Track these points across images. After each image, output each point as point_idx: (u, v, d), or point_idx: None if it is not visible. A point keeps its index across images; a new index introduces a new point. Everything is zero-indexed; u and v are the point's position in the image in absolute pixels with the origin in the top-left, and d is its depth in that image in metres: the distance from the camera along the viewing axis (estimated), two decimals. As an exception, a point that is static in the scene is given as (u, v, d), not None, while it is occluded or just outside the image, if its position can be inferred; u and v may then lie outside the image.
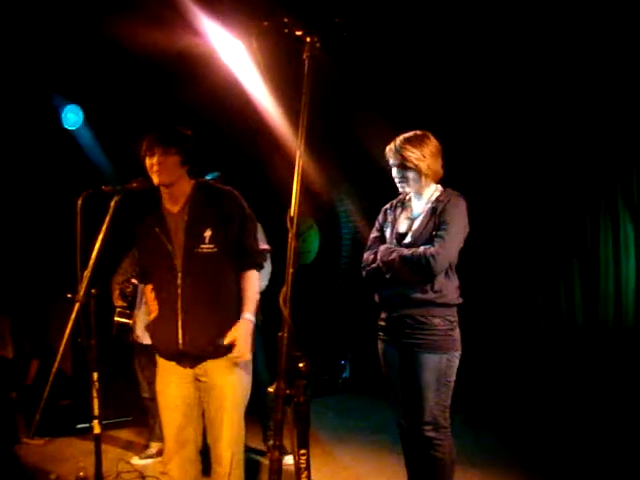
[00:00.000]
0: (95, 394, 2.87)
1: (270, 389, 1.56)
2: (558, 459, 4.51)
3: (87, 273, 2.70)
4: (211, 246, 2.89)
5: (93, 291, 2.79)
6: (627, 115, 5.59)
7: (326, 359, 7.53)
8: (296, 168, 1.59)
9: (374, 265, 3.20)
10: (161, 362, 3.06)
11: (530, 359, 6.10)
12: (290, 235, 1.56)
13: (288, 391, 1.54)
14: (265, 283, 4.57)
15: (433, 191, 3.17)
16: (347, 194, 7.78)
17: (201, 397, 3.00)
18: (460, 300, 3.15)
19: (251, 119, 5.78)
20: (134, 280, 4.44)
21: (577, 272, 6.06)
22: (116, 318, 4.53)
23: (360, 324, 6.43)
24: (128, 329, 4.55)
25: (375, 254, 3.20)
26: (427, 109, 5.94)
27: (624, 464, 4.30)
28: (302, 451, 1.53)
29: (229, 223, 2.94)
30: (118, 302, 4.48)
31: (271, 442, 2.77)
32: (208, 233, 2.89)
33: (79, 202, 2.83)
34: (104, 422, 5.28)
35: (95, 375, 2.88)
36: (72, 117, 5.43)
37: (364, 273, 3.27)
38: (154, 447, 4.65)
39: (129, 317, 4.52)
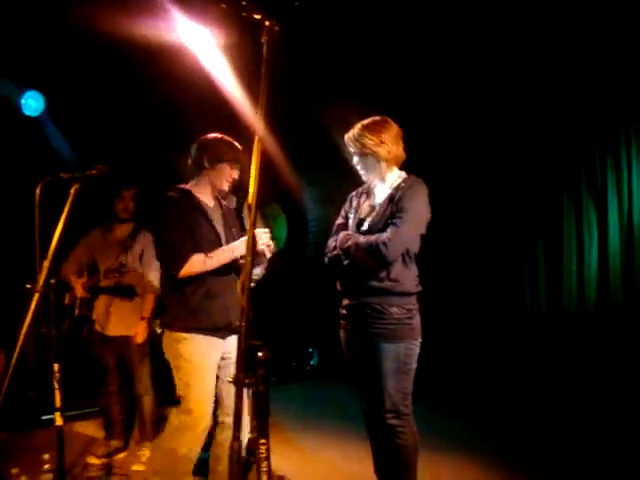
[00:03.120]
0: (56, 385, 2.82)
1: (229, 378, 1.54)
2: (522, 443, 4.59)
3: (46, 263, 2.64)
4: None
5: (52, 281, 2.73)
6: (591, 101, 5.66)
7: (294, 346, 7.53)
8: (254, 155, 1.57)
9: (335, 252, 3.21)
10: (201, 337, 3.14)
11: (495, 344, 6.17)
12: (249, 222, 1.54)
13: (247, 380, 1.52)
14: (261, 271, 4.61)
15: (395, 178, 3.18)
16: (314, 181, 7.75)
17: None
18: (419, 288, 3.15)
19: (217, 106, 5.71)
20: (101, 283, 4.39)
21: (541, 255, 6.14)
22: (78, 310, 4.44)
23: (328, 312, 6.43)
24: (87, 321, 4.48)
25: (336, 241, 3.21)
26: (393, 93, 5.92)
27: (586, 446, 4.38)
28: (262, 440, 1.52)
29: None
30: (82, 294, 4.38)
31: None
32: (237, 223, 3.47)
33: (37, 190, 2.78)
34: (71, 413, 5.31)
35: (56, 366, 2.83)
36: (33, 104, 5.30)
37: (326, 260, 3.28)
38: (112, 445, 4.55)
39: (90, 309, 4.44)
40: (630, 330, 5.39)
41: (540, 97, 5.89)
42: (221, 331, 3.20)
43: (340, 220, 3.35)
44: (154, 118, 5.91)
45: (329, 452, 4.50)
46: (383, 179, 3.19)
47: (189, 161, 3.31)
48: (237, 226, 3.49)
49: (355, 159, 3.21)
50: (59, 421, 2.84)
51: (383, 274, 3.06)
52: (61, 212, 2.73)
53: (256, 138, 1.57)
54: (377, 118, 3.16)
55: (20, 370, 2.73)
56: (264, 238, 3.18)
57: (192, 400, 3.07)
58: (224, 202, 3.51)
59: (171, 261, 3.09)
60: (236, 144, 3.30)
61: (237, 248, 3.21)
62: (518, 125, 6.12)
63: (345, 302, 3.26)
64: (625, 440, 4.40)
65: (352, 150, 3.19)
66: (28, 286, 2.69)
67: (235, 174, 3.33)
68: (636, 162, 5.49)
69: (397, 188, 3.12)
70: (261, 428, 1.52)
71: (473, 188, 6.45)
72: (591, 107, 5.67)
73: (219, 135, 3.31)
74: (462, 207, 6.42)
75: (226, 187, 3.33)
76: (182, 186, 3.28)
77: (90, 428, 5.10)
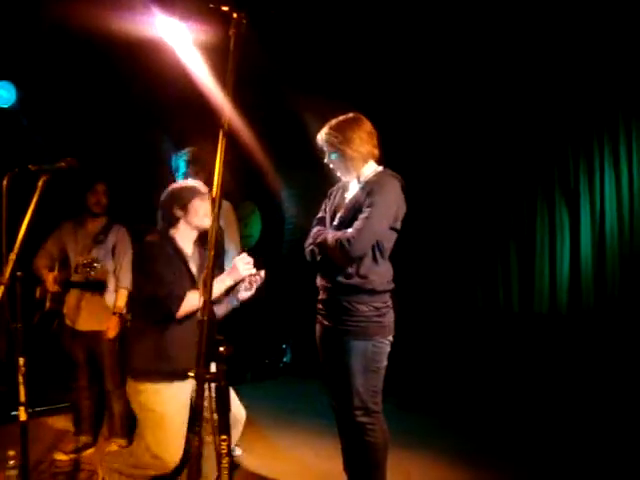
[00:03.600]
0: (21, 380, 2.78)
1: (190, 374, 1.52)
2: (492, 442, 4.62)
3: (13, 255, 2.61)
4: None
5: (19, 274, 2.70)
6: (565, 104, 5.70)
7: (267, 344, 7.52)
8: (219, 147, 1.55)
9: (310, 247, 3.22)
10: (165, 385, 3.07)
11: (467, 344, 6.19)
12: (212, 217, 1.52)
13: (208, 375, 1.51)
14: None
15: (369, 172, 3.18)
16: (291, 178, 7.73)
17: None
18: (390, 286, 3.15)
19: (194, 100, 5.68)
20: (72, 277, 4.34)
21: (514, 256, 6.18)
22: (49, 304, 4.39)
23: (301, 308, 6.43)
24: (57, 315, 4.43)
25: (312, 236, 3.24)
26: (366, 90, 5.93)
27: (556, 444, 4.43)
28: (223, 437, 1.50)
29: None
30: (54, 288, 4.33)
31: None
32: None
33: (4, 182, 2.74)
34: (41, 408, 5.24)
35: (21, 360, 2.79)
36: (4, 94, 5.22)
37: (305, 254, 3.28)
38: (80, 441, 4.50)
39: (61, 303, 4.40)
40: (600, 333, 5.44)
41: (514, 99, 5.93)
42: (180, 376, 3.10)
43: (320, 214, 3.36)
44: (130, 112, 5.85)
45: (301, 450, 4.50)
46: (358, 175, 3.20)
47: (161, 222, 3.29)
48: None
49: (326, 158, 3.23)
50: (23, 416, 2.80)
51: (352, 271, 3.07)
52: (29, 204, 2.71)
53: (220, 131, 1.55)
54: (347, 116, 3.18)
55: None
56: (245, 268, 3.16)
57: (160, 449, 3.03)
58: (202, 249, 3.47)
59: (168, 300, 3.00)
60: (195, 183, 3.35)
61: (227, 279, 3.19)
62: (492, 125, 6.16)
63: (320, 296, 3.27)
64: (594, 438, 4.45)
65: (322, 148, 3.22)
66: (-6, 279, 2.64)
67: (207, 204, 3.28)
68: (608, 166, 5.53)
69: (367, 183, 3.14)
70: (222, 424, 1.51)
71: (447, 188, 6.46)
72: (565, 110, 5.71)
73: (178, 185, 3.35)
74: (436, 206, 6.43)
75: (207, 222, 3.25)
76: (163, 231, 3.28)
77: (60, 423, 5.05)
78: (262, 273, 3.23)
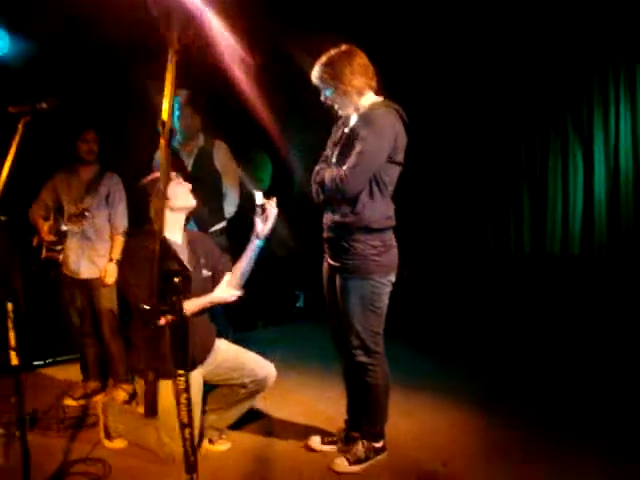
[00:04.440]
0: (10, 325, 2.74)
1: (146, 307, 1.45)
2: (501, 385, 4.57)
3: (-6, 198, 2.55)
4: None
5: (3, 218, 2.65)
6: (578, 41, 5.48)
7: (281, 289, 7.51)
8: (168, 72, 1.45)
9: (314, 187, 3.16)
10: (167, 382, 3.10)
11: (479, 287, 6.12)
12: (162, 141, 1.44)
13: (163, 308, 1.43)
14: (233, 209, 4.64)
15: (366, 105, 3.06)
16: (302, 128, 7.59)
17: None
18: (387, 224, 3.06)
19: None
20: (64, 227, 4.30)
21: (526, 197, 6.05)
22: (45, 253, 4.39)
23: (314, 253, 6.38)
24: (54, 264, 4.42)
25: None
26: (376, 27, 5.73)
27: (569, 391, 4.36)
28: (180, 372, 1.45)
29: None
30: (49, 237, 4.32)
31: None
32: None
33: (-18, 125, 2.66)
34: (48, 361, 5.30)
35: (10, 305, 2.75)
36: (-1, 42, 5.08)
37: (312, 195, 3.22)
38: (88, 387, 4.54)
39: (58, 252, 4.38)
40: (613, 274, 5.32)
41: (527, 38, 5.71)
42: (190, 367, 3.23)
43: (325, 151, 3.27)
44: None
45: (308, 392, 4.49)
46: (357, 108, 3.08)
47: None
48: (208, 257, 3.48)
49: (322, 96, 3.12)
50: (14, 360, 2.77)
51: (348, 209, 3.01)
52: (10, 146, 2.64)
53: (170, 52, 1.45)
54: (338, 49, 3.05)
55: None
56: (231, 294, 3.39)
57: (166, 436, 3.19)
58: (193, 237, 3.52)
59: (148, 315, 3.04)
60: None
61: (216, 298, 3.35)
62: (505, 65, 5.96)
63: (323, 235, 3.23)
64: (608, 385, 4.38)
65: (319, 87, 3.11)
66: (-24, 223, 2.59)
67: (185, 184, 3.39)
68: (624, 105, 5.35)
69: (361, 115, 3.03)
70: (179, 359, 1.45)
71: (460, 129, 6.31)
72: (579, 47, 5.50)
73: (146, 179, 3.36)
74: (448, 149, 6.29)
75: (191, 201, 3.37)
76: (147, 229, 3.32)
77: (70, 372, 5.08)
78: (273, 202, 3.28)
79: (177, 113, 4.41)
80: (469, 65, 6.09)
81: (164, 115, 1.42)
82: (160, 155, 1.48)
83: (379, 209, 3.02)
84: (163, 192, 1.47)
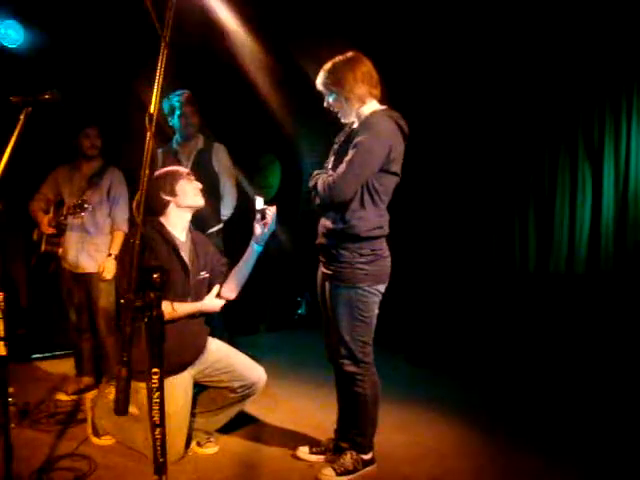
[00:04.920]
0: (1, 315, 2.72)
1: (121, 300, 1.42)
2: (500, 402, 4.51)
3: (-6, 187, 2.54)
4: None
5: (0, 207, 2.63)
6: (592, 58, 5.42)
7: (283, 295, 7.49)
8: (160, 59, 1.43)
9: (312, 193, 3.14)
10: (169, 381, 3.15)
11: (482, 303, 6.05)
12: (148, 135, 1.41)
13: (139, 303, 1.40)
14: (230, 212, 4.66)
15: (367, 113, 3.04)
16: (311, 130, 7.58)
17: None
18: (378, 233, 3.02)
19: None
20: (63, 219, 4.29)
21: (532, 214, 5.98)
22: (44, 246, 4.39)
23: (317, 260, 6.35)
24: (54, 258, 4.43)
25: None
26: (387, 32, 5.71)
27: (566, 406, 4.30)
28: (155, 370, 1.42)
29: None
30: (48, 230, 4.33)
31: None
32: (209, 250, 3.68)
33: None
34: (51, 354, 5.31)
35: (0, 295, 2.73)
36: (13, 34, 5.10)
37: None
38: (82, 383, 4.53)
39: (57, 245, 4.39)
40: (618, 295, 5.25)
41: (540, 52, 5.65)
42: (179, 369, 3.29)
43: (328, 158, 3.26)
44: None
45: (300, 400, 4.47)
46: (359, 116, 3.07)
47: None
48: (207, 258, 3.49)
49: (325, 102, 3.12)
50: (2, 351, 2.75)
51: (338, 216, 3.00)
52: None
53: (162, 44, 1.43)
54: (343, 56, 3.04)
55: (12, 309, 2.67)
56: (217, 304, 3.41)
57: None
58: (195, 236, 3.54)
59: None
60: (177, 168, 3.46)
61: (204, 307, 3.36)
62: (517, 78, 5.90)
63: (316, 241, 3.22)
64: (611, 405, 4.31)
65: (322, 92, 3.10)
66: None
67: (196, 183, 3.42)
68: (636, 124, 5.28)
69: (360, 123, 3.02)
70: (154, 356, 1.42)
71: (468, 143, 6.25)
72: (592, 64, 5.44)
73: (159, 172, 3.40)
74: (455, 162, 6.24)
75: (200, 201, 3.40)
76: (153, 218, 3.32)
77: (64, 367, 5.08)
78: (273, 208, 3.28)
79: (177, 112, 4.41)
80: (479, 78, 6.05)
81: (151, 108, 1.40)
82: (146, 148, 1.45)
83: (369, 218, 2.98)
84: (142, 184, 1.44)
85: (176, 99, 4.38)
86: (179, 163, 4.43)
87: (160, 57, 1.42)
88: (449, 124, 6.20)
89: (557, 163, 5.77)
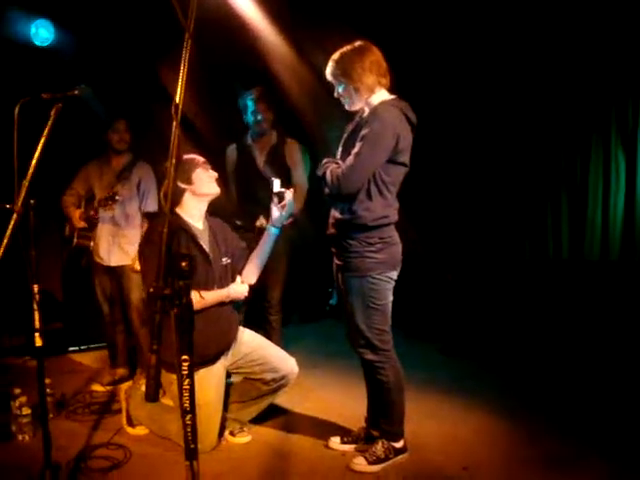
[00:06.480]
0: (35, 307, 2.78)
1: (150, 289, 1.44)
2: (532, 392, 4.45)
3: (25, 182, 2.58)
4: None
5: (32, 201, 2.69)
6: (623, 42, 5.30)
7: (314, 286, 7.49)
8: (184, 55, 1.44)
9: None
10: (201, 373, 3.24)
11: (515, 292, 5.99)
12: (174, 124, 1.43)
13: (167, 291, 1.42)
14: (299, 206, 4.63)
15: (376, 102, 3.02)
16: (336, 123, 7.56)
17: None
18: (385, 221, 3.01)
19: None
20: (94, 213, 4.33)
21: (565, 202, 5.90)
22: (76, 240, 4.45)
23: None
24: (86, 252, 4.50)
25: None
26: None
27: (598, 395, 4.24)
28: (184, 357, 1.43)
29: None
30: (80, 224, 4.39)
31: None
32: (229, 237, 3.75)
33: (16, 110, 2.71)
34: (80, 347, 5.40)
35: (35, 287, 2.79)
36: (44, 33, 5.18)
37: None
38: (116, 374, 4.62)
39: (89, 239, 4.45)
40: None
41: (571, 35, 5.54)
42: (213, 360, 3.35)
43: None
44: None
45: (332, 390, 4.48)
46: (368, 105, 3.06)
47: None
48: (227, 243, 3.53)
49: (335, 91, 3.10)
50: (39, 342, 2.81)
51: (345, 206, 3.00)
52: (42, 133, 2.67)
53: (186, 36, 1.44)
54: (351, 46, 3.02)
55: (48, 304, 2.72)
56: (242, 291, 3.47)
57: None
58: (212, 223, 3.56)
59: None
60: (194, 156, 3.44)
61: (232, 293, 3.39)
62: (548, 62, 5.78)
63: (327, 232, 3.23)
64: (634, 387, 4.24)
65: (331, 82, 3.09)
66: (7, 206, 2.62)
67: (212, 172, 3.42)
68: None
69: (369, 114, 3.01)
70: (184, 344, 1.43)
71: (500, 132, 6.16)
72: (626, 47, 5.31)
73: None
74: (487, 151, 6.15)
75: (215, 188, 3.41)
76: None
77: (100, 359, 5.17)
78: (290, 191, 3.32)
79: (251, 109, 4.44)
80: (511, 62, 5.94)
81: (177, 98, 1.42)
82: (172, 137, 1.46)
83: (376, 209, 2.98)
84: (170, 172, 1.46)
85: (249, 97, 4.42)
86: (253, 159, 4.47)
87: (184, 48, 1.43)
88: (483, 116, 6.11)
89: (590, 149, 5.67)
